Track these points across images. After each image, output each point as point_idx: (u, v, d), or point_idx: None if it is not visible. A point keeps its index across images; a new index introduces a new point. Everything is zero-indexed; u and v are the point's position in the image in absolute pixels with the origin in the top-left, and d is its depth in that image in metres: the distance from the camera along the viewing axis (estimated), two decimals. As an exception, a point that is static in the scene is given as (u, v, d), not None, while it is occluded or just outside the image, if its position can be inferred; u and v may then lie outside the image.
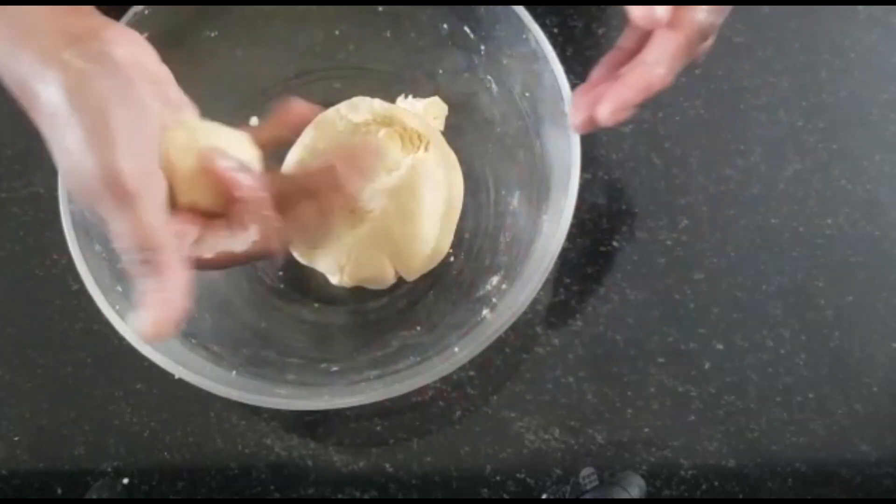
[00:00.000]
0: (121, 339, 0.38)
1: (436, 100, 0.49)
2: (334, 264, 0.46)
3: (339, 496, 0.46)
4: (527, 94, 0.44)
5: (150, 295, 0.31)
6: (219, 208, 0.35)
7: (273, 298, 0.48)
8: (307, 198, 0.39)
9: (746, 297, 0.48)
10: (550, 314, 0.48)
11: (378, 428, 0.47)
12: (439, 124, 0.49)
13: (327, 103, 0.47)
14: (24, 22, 0.31)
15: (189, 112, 0.36)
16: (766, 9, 0.53)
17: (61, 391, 0.48)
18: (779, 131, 0.51)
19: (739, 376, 0.47)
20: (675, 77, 0.35)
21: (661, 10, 0.33)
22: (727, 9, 0.36)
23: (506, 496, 0.45)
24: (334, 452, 0.46)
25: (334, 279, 0.46)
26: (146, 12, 0.42)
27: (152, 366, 0.37)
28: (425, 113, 0.48)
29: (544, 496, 0.45)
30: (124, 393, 0.47)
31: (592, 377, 0.47)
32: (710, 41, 0.37)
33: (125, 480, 0.46)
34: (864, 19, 0.53)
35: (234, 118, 0.39)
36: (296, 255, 0.47)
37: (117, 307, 0.38)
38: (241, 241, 0.35)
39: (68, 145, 0.30)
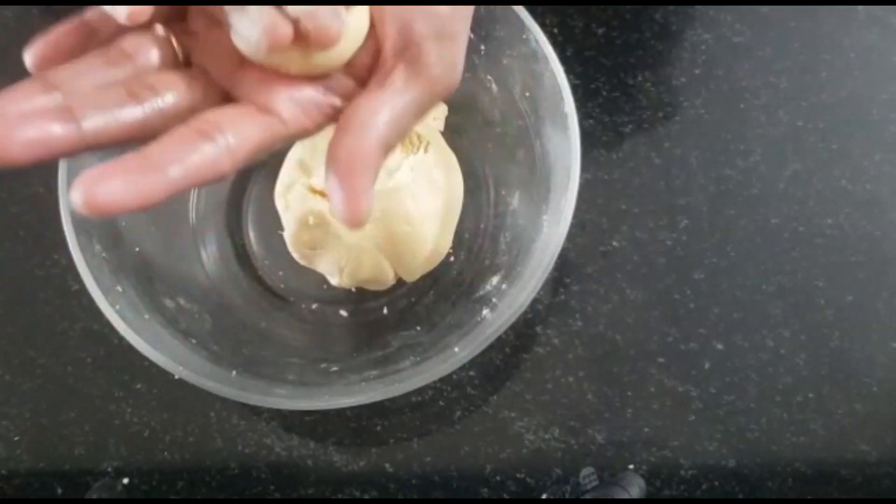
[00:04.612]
0: (121, 339, 0.38)
1: (436, 100, 0.49)
2: (334, 266, 0.46)
3: (339, 496, 0.46)
4: (527, 94, 0.44)
5: None
6: None
7: (273, 298, 0.48)
8: None
9: (746, 297, 0.48)
10: (550, 314, 0.48)
11: (378, 428, 0.47)
12: (439, 124, 0.49)
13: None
14: None
15: None
16: (766, 9, 0.53)
17: (61, 391, 0.48)
18: (779, 131, 0.51)
19: (739, 376, 0.47)
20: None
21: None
22: None
23: (506, 496, 0.45)
24: (334, 452, 0.46)
25: (334, 280, 0.46)
26: (146, 12, 0.41)
27: (152, 366, 0.37)
28: (425, 113, 0.48)
29: (544, 496, 0.45)
30: (124, 393, 0.47)
31: (592, 377, 0.47)
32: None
33: (125, 480, 0.46)
34: (864, 19, 0.53)
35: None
36: (295, 256, 0.47)
37: (117, 307, 0.38)
38: None
39: None
